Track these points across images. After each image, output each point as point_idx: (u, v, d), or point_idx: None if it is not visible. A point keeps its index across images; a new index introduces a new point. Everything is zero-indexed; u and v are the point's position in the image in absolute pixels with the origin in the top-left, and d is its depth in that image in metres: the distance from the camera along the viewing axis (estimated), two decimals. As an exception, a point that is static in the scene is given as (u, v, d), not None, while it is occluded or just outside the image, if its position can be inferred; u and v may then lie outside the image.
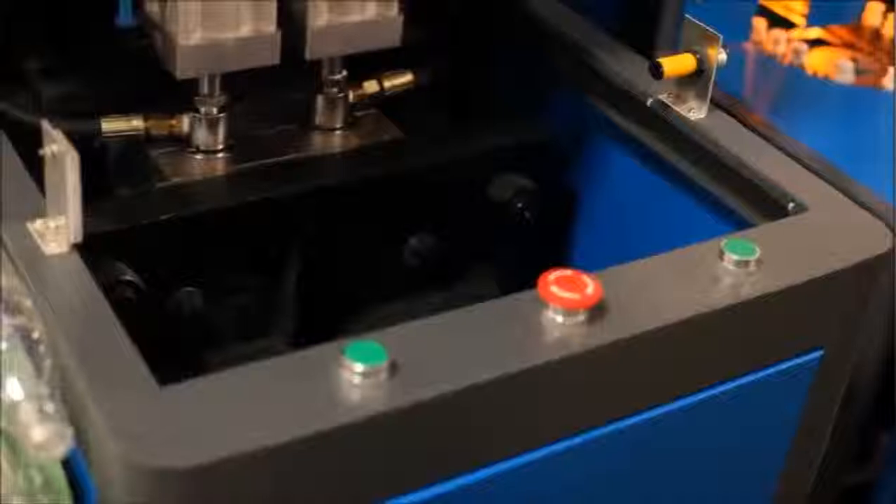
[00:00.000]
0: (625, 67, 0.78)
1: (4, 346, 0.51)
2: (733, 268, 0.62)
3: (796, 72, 0.96)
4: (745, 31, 0.99)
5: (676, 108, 0.74)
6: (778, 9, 1.01)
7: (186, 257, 0.70)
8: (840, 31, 1.02)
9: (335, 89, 0.78)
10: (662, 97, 0.75)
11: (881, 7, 1.02)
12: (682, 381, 0.61)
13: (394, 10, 0.73)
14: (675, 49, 0.75)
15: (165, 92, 0.71)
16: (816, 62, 0.97)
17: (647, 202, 0.78)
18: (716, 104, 0.74)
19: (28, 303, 0.54)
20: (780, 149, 0.73)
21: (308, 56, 0.72)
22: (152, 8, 0.69)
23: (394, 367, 0.53)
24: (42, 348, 0.52)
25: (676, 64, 0.73)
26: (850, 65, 0.96)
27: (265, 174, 0.74)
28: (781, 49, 0.98)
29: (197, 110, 0.73)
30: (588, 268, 0.58)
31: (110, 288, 0.62)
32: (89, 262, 0.57)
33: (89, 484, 0.52)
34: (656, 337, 0.58)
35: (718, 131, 0.73)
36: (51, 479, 0.53)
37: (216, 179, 0.73)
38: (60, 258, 0.57)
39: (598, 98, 0.79)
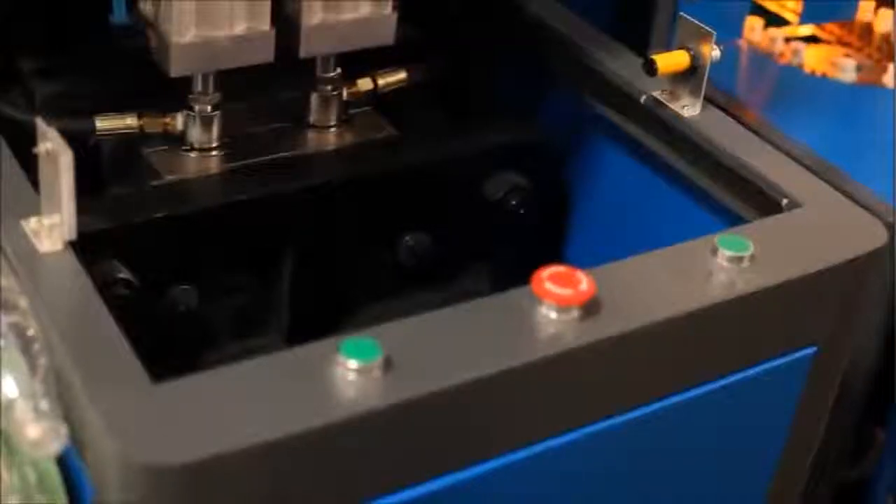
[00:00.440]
0: (619, 65, 0.78)
1: (-1, 343, 0.51)
2: (727, 264, 0.62)
3: (792, 69, 0.96)
4: (739, 28, 0.99)
5: (670, 105, 0.74)
6: (771, 6, 1.01)
7: (181, 255, 0.70)
8: (832, 28, 1.02)
9: (329, 87, 0.77)
10: (656, 94, 0.75)
11: (871, 3, 1.02)
12: (676, 378, 0.61)
13: (388, 8, 0.73)
14: (669, 47, 0.75)
15: (160, 90, 0.71)
16: (813, 60, 0.97)
17: (641, 199, 0.78)
18: (710, 101, 0.75)
19: (22, 301, 0.53)
20: (775, 145, 0.73)
21: (302, 54, 0.72)
22: (146, 6, 0.69)
23: (388, 364, 0.53)
24: (36, 346, 0.52)
25: (670, 61, 0.73)
26: (851, 63, 0.96)
27: (259, 172, 0.74)
28: (779, 47, 0.98)
29: (191, 108, 0.73)
30: (583, 264, 0.58)
31: (105, 286, 0.62)
32: (84, 261, 0.57)
33: (84, 482, 0.52)
34: (650, 333, 0.58)
35: (712, 128, 0.73)
36: (45, 477, 0.53)
37: (211, 177, 0.73)
38: (55, 256, 0.57)
39: (592, 95, 0.79)
